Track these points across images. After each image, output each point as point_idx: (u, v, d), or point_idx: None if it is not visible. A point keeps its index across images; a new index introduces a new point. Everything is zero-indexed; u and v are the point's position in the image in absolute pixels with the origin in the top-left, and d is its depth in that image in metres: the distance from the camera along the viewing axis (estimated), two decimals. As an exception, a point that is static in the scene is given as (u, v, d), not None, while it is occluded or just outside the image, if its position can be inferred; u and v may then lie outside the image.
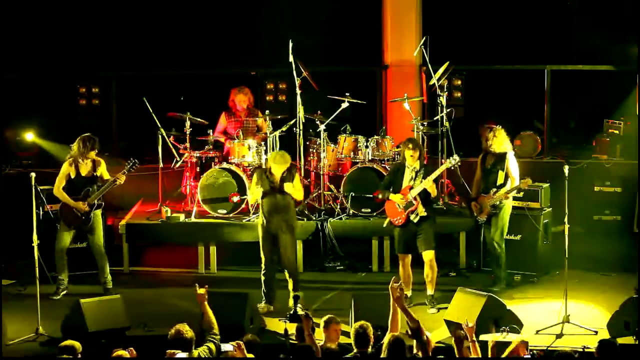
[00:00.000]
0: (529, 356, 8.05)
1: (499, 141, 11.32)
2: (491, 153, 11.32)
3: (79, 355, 7.98)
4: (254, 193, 10.90)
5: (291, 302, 10.69)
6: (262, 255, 10.96)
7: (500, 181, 11.24)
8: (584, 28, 14.48)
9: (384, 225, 11.16)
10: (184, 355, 7.88)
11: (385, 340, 7.91)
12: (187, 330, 8.05)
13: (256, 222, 11.24)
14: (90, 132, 11.54)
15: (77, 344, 8.02)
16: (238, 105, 13.12)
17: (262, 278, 10.94)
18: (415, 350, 8.08)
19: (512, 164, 11.31)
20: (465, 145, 13.75)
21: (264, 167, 11.11)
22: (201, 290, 8.65)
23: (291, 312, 9.81)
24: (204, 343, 8.31)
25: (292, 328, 8.74)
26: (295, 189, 10.80)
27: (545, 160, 14.15)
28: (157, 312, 10.84)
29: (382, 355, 7.91)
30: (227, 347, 8.05)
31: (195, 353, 8.01)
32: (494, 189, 11.24)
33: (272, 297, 10.96)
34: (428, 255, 10.83)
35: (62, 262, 11.42)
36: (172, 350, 7.85)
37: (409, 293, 10.84)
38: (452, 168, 10.93)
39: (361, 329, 8.15)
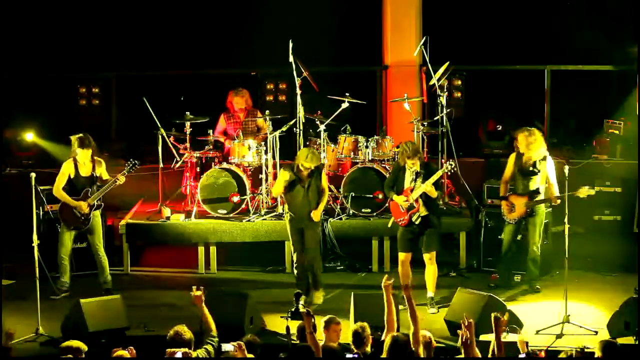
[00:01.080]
0: (524, 355, 8.03)
1: (539, 144, 11.26)
2: (527, 155, 11.23)
3: (83, 356, 7.97)
4: (277, 188, 11.12)
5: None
6: (292, 250, 11.17)
7: (540, 184, 11.17)
8: (584, 28, 14.48)
9: (389, 225, 11.15)
10: (179, 354, 7.90)
11: (387, 340, 7.90)
12: (185, 331, 8.08)
13: (285, 220, 11.29)
14: (89, 132, 11.53)
15: (82, 345, 8.02)
16: (235, 106, 13.15)
17: (295, 272, 11.14)
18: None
19: (551, 168, 11.24)
20: (465, 145, 13.76)
21: (292, 165, 11.14)
22: (197, 293, 8.72)
23: (292, 309, 9.85)
24: (202, 345, 8.33)
25: (293, 327, 8.74)
26: (322, 202, 11.03)
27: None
28: (157, 313, 10.84)
29: (382, 356, 7.91)
30: (227, 347, 8.05)
31: (194, 354, 8.02)
32: (544, 190, 11.14)
33: (305, 288, 11.03)
34: (429, 256, 10.83)
35: (65, 264, 11.42)
36: (173, 349, 7.86)
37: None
38: (449, 173, 10.92)
39: (360, 329, 8.16)
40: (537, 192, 11.24)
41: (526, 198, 11.24)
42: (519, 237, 11.58)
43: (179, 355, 7.85)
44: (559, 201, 11.15)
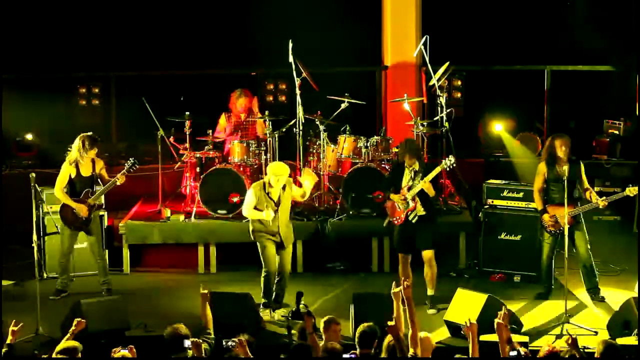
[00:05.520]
0: (515, 353, 8.02)
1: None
2: (563, 161, 10.90)
3: (79, 356, 7.97)
4: (252, 213, 10.71)
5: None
6: (264, 263, 10.79)
7: (577, 192, 10.90)
8: (584, 28, 14.48)
9: (384, 225, 11.16)
10: (188, 342, 7.94)
11: (385, 341, 7.88)
12: (182, 328, 8.11)
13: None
14: (90, 132, 11.53)
15: (78, 345, 8.02)
16: (239, 107, 13.14)
17: (263, 282, 10.84)
18: (412, 351, 8.04)
19: (583, 171, 11.02)
20: (465, 145, 13.75)
21: (260, 183, 10.83)
22: (204, 291, 8.90)
23: (293, 309, 9.83)
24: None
25: (294, 328, 8.76)
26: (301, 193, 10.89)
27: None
28: (157, 313, 10.84)
29: (382, 356, 7.90)
30: (229, 342, 8.03)
31: (190, 353, 8.04)
32: (595, 198, 10.84)
33: (272, 304, 10.87)
34: (427, 255, 10.79)
35: (65, 264, 11.42)
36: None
37: (408, 293, 10.82)
38: (448, 169, 10.85)
39: (369, 330, 8.12)
40: (579, 199, 10.91)
41: (569, 207, 10.71)
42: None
43: (187, 343, 7.90)
44: (606, 203, 10.91)
